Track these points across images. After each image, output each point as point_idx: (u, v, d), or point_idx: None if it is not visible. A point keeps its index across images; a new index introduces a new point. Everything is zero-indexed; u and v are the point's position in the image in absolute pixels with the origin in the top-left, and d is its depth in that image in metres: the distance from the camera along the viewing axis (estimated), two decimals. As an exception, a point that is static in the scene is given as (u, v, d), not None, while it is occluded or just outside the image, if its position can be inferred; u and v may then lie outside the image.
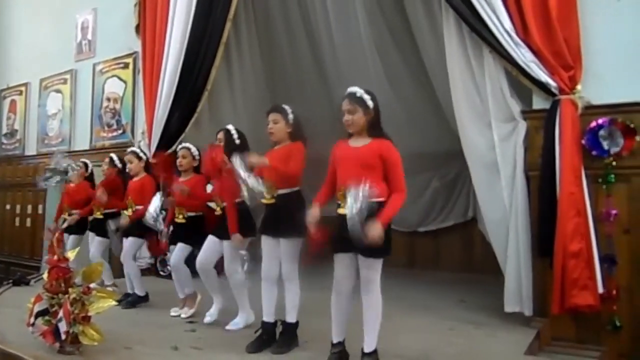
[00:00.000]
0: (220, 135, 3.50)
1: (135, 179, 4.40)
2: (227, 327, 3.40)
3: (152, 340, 3.19)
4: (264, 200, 3.05)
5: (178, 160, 3.98)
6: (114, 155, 4.93)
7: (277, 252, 3.02)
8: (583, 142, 3.28)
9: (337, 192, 2.63)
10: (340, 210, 2.55)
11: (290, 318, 3.01)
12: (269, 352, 2.92)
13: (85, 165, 5.22)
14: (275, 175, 2.94)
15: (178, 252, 3.80)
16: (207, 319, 3.53)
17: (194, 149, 3.96)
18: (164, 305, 4.02)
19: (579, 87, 3.29)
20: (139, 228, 4.12)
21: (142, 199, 4.18)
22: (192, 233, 3.80)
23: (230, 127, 3.51)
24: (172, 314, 3.86)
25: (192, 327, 3.52)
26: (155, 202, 4.02)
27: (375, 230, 2.38)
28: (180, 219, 3.84)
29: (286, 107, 3.13)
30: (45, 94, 7.71)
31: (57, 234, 3.09)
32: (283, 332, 3.02)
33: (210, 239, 3.53)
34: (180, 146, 4.07)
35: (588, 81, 3.29)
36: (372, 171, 2.54)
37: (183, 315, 3.80)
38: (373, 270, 2.56)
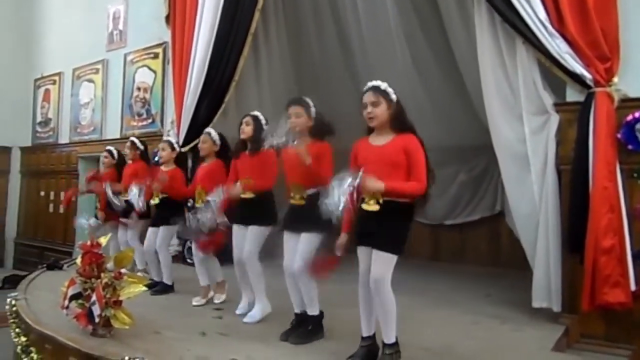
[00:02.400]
0: (248, 119, 3.48)
1: (163, 167, 4.41)
2: (245, 320, 3.37)
3: (180, 326, 3.26)
4: (293, 201, 3.04)
5: (199, 145, 4.02)
6: (134, 139, 4.97)
7: None
8: (618, 135, 3.19)
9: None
10: (364, 206, 2.54)
11: (312, 311, 3.02)
12: (289, 341, 2.95)
13: (110, 152, 5.25)
14: (307, 176, 2.91)
15: None
16: (239, 311, 3.53)
17: (214, 134, 3.98)
18: (192, 292, 4.07)
19: (615, 79, 3.19)
20: (171, 215, 4.17)
21: (170, 189, 4.23)
22: None
23: (257, 113, 3.51)
24: (195, 303, 3.89)
25: (219, 314, 3.58)
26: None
27: (372, 181, 2.36)
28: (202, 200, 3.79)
29: (308, 100, 3.06)
30: (77, 83, 7.90)
31: None
32: (306, 324, 3.04)
33: (235, 230, 3.49)
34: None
35: (626, 73, 3.19)
36: (399, 169, 2.50)
37: (216, 301, 3.88)
38: (385, 267, 2.47)
